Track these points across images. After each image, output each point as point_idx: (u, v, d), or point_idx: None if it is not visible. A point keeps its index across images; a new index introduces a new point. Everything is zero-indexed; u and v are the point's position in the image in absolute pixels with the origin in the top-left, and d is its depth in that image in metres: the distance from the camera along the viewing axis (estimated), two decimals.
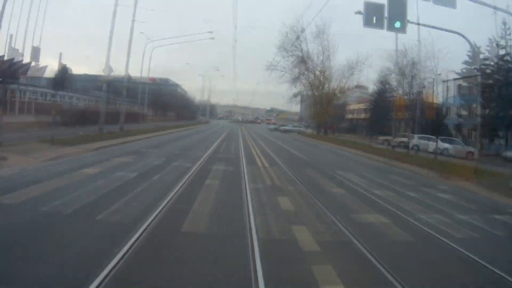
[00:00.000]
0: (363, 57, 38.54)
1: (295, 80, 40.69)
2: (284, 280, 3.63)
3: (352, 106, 62.29)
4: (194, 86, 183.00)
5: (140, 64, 63.71)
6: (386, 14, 12.53)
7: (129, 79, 35.99)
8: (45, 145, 12.26)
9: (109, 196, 6.48)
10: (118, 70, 34.16)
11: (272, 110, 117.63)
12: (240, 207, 6.47)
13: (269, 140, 29.74)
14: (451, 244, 5.15)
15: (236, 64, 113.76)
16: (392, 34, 20.81)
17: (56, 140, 12.91)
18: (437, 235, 5.56)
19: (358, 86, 46.24)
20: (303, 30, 35.45)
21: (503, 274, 4.12)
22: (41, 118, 22.66)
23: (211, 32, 32.55)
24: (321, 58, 39.35)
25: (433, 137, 27.60)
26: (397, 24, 12.26)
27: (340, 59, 76.08)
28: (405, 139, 29.86)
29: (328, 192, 8.80)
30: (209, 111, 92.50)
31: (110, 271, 3.36)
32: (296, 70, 40.76)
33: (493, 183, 11.41)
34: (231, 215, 6.01)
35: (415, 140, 29.45)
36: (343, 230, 5.44)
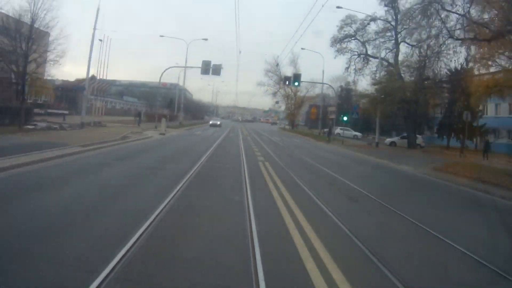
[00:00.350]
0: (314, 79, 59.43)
1: (275, 93, 62.28)
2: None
3: (330, 109, 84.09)
4: (195, 86, 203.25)
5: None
6: (292, 79, 34.01)
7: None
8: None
9: (209, 135, 28.58)
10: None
11: (269, 110, 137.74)
12: (238, 135, 28.29)
13: (252, 128, 51.54)
14: (278, 143, 26.92)
15: (237, 66, 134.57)
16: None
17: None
18: (281, 144, 27.36)
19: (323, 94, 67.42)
20: (277, 64, 56.88)
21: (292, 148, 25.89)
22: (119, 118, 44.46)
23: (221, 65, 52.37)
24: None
25: (348, 128, 48.92)
26: (296, 84, 33.73)
27: (304, 78, 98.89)
28: (336, 130, 51.50)
29: (264, 137, 30.43)
30: (214, 112, 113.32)
31: (219, 141, 25.07)
32: (277, 86, 62.23)
33: (335, 142, 32.58)
34: (236, 135, 27.89)
35: (338, 129, 50.92)
36: (255, 135, 27.04)
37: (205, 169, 10.56)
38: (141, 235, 4.41)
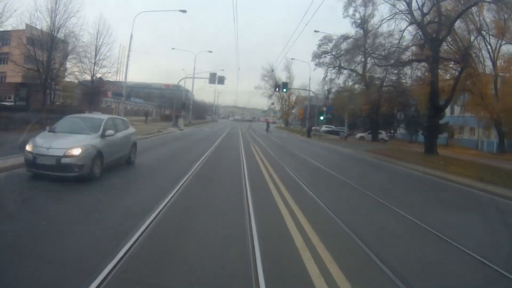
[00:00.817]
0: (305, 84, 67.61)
1: (271, 95, 70.39)
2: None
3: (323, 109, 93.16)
4: (196, 86, 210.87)
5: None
6: (281, 87, 42.15)
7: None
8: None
9: (217, 130, 36.53)
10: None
11: (268, 110, 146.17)
12: (238, 129, 36.28)
13: (251, 127, 59.61)
14: (268, 136, 35.06)
15: (237, 67, 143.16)
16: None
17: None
18: (274, 140, 35.54)
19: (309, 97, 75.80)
20: (273, 70, 64.82)
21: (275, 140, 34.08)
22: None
23: (222, 70, 60.37)
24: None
25: (331, 126, 57.08)
26: (284, 90, 41.83)
27: (297, 83, 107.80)
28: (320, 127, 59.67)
29: (257, 130, 38.58)
30: (215, 112, 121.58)
31: (225, 134, 33.21)
32: (272, 89, 70.36)
33: (315, 137, 40.66)
34: (237, 131, 35.85)
35: (324, 127, 59.07)
36: (252, 131, 35.21)
37: (221, 145, 18.82)
38: (205, 156, 12.55)
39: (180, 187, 7.44)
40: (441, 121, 46.95)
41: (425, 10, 24.88)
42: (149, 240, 4.34)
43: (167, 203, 6.03)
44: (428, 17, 24.64)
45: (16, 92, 26.87)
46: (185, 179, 8.34)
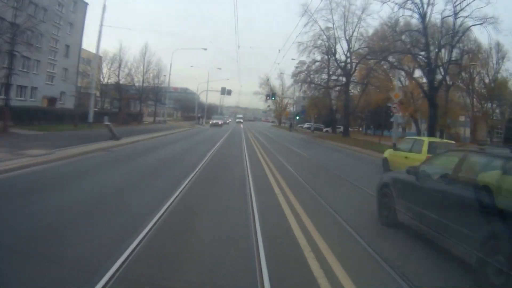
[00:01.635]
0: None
1: (267, 99, 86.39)
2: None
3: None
4: (200, 87, 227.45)
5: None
6: (271, 96, 58.31)
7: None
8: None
9: (227, 126, 52.87)
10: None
11: (267, 111, 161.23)
12: (241, 127, 52.59)
13: (249, 125, 75.86)
14: (261, 130, 51.32)
15: (239, 68, 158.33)
16: None
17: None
18: (261, 130, 51.88)
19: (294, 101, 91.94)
20: (268, 79, 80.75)
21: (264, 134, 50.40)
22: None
23: (228, 79, 75.39)
24: (279, 90, 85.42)
25: (312, 123, 73.19)
26: (273, 98, 57.97)
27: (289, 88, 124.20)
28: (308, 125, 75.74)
29: (255, 128, 54.86)
30: (219, 113, 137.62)
31: (232, 127, 49.55)
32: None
33: (294, 131, 56.75)
34: (239, 127, 52.06)
35: (306, 124, 75.07)
36: (252, 129, 51.51)
37: (231, 133, 34.92)
38: (223, 138, 28.98)
39: (225, 137, 23.85)
40: (391, 120, 63.42)
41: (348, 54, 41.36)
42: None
43: (219, 144, 22.28)
44: (348, 60, 40.99)
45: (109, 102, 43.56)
46: (223, 138, 24.69)
